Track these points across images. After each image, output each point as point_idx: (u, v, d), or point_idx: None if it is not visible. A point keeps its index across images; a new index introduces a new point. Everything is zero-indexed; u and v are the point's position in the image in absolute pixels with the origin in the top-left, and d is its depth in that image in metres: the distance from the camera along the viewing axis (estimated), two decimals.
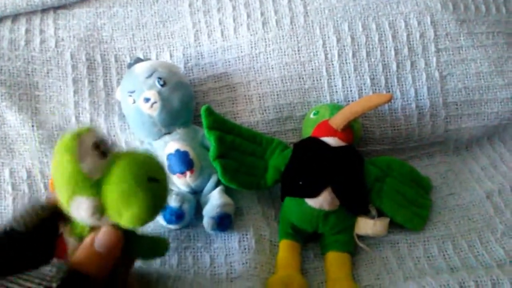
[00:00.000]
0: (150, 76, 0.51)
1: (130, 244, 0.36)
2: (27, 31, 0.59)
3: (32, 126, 0.55)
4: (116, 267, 0.35)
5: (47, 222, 0.35)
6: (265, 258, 0.49)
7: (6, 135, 0.55)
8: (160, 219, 0.50)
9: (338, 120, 0.49)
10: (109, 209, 0.32)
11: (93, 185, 0.31)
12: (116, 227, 0.34)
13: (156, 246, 0.40)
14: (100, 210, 0.32)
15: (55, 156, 0.32)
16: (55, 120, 0.56)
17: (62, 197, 0.32)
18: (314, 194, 0.48)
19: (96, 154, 0.32)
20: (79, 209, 0.32)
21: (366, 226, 0.49)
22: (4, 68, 0.56)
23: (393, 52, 0.57)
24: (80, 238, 0.34)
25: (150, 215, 0.33)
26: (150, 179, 0.32)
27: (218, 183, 0.53)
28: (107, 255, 0.33)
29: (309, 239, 0.51)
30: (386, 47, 0.57)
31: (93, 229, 0.34)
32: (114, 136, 0.57)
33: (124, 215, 0.32)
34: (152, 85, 0.50)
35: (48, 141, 0.55)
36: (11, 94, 0.55)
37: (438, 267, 0.48)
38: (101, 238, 0.33)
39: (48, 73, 0.57)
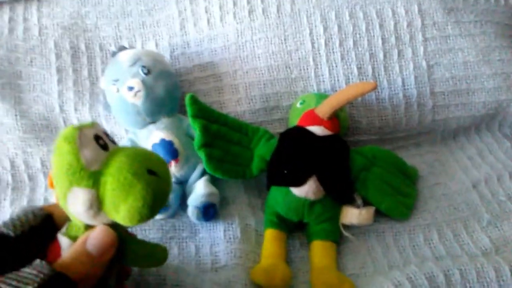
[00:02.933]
0: (133, 64, 0.50)
1: (124, 249, 0.34)
2: (10, 19, 0.58)
3: (16, 115, 0.55)
4: (108, 276, 0.33)
5: (39, 228, 0.34)
6: (250, 247, 0.48)
7: None
8: None
9: (324, 109, 0.49)
10: (106, 203, 0.31)
11: (91, 176, 0.31)
12: (111, 228, 0.33)
13: (153, 254, 0.37)
14: (97, 203, 0.31)
15: (55, 148, 0.31)
16: (39, 109, 0.56)
17: (59, 190, 0.31)
18: (299, 183, 0.47)
19: (96, 146, 0.31)
20: (76, 202, 0.31)
21: (352, 215, 0.49)
22: None
23: (380, 41, 0.56)
24: (75, 239, 0.33)
25: (147, 210, 0.31)
26: (149, 171, 0.31)
27: (203, 173, 0.52)
28: (98, 257, 0.31)
29: (295, 228, 0.51)
30: (373, 36, 0.56)
31: (89, 228, 0.33)
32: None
33: (121, 208, 0.31)
34: (135, 73, 0.50)
35: (31, 130, 0.55)
36: None
37: (423, 255, 0.48)
38: (94, 236, 0.32)
39: (31, 61, 0.56)
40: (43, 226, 0.34)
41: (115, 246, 0.32)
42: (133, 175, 0.31)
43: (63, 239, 0.33)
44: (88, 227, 0.33)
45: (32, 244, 0.33)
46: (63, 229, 0.34)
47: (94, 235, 0.32)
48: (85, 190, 0.31)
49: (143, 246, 0.36)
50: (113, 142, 0.34)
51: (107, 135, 0.34)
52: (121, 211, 0.31)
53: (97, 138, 0.32)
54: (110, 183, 0.31)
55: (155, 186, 0.31)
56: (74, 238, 0.33)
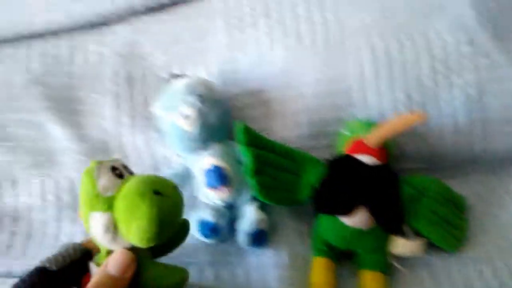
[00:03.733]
0: (189, 92, 0.52)
1: (143, 270, 0.37)
2: (70, 47, 0.61)
3: (75, 139, 0.57)
4: None
5: (78, 262, 0.39)
6: (300, 275, 0.49)
7: (50, 147, 0.58)
8: (196, 234, 0.51)
9: (374, 139, 0.49)
10: (120, 225, 0.35)
11: (106, 201, 0.35)
12: (130, 250, 0.36)
13: (171, 274, 0.40)
14: (112, 226, 0.35)
15: (81, 180, 0.36)
16: (96, 134, 0.58)
17: (83, 216, 0.36)
18: (348, 212, 0.48)
19: (112, 175, 0.36)
20: (95, 225, 0.35)
21: (402, 246, 0.48)
22: (49, 83, 0.59)
23: (428, 69, 0.56)
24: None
25: (155, 229, 0.34)
26: (155, 192, 0.35)
27: (252, 198, 0.54)
28: (119, 277, 0.35)
29: (344, 256, 0.51)
30: (422, 64, 0.56)
31: (111, 253, 0.37)
32: (151, 149, 0.59)
33: (131, 229, 0.35)
34: (190, 102, 0.52)
35: (90, 153, 0.58)
36: (55, 109, 0.58)
37: None
38: (114, 258, 0.36)
39: (90, 88, 0.59)
40: (82, 260, 0.39)
41: (133, 265, 0.36)
42: (139, 195, 0.35)
43: (93, 267, 0.38)
44: (110, 252, 0.37)
45: (72, 277, 0.38)
46: (94, 258, 0.38)
47: (113, 257, 0.36)
48: (101, 214, 0.35)
49: (162, 267, 0.40)
50: (131, 173, 0.39)
51: (125, 167, 0.39)
52: (132, 231, 0.35)
53: (113, 169, 0.37)
54: (121, 206, 0.35)
55: (160, 204, 0.35)
56: (100, 265, 0.37)
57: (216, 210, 0.51)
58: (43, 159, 0.58)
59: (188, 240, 0.52)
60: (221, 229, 0.51)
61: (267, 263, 0.50)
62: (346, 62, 0.57)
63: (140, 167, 0.58)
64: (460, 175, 0.60)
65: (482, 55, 0.56)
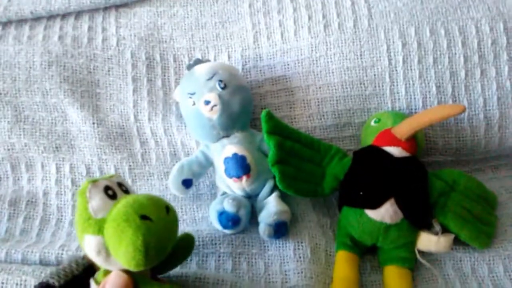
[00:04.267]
0: (211, 78, 0.50)
1: None
2: (89, 28, 0.60)
3: (93, 123, 0.56)
4: None
5: (81, 277, 0.39)
6: (321, 268, 0.48)
7: (68, 131, 0.57)
8: (216, 224, 0.50)
9: (404, 130, 0.47)
10: (110, 248, 0.35)
11: (97, 224, 0.35)
12: (125, 272, 0.36)
13: None
14: (104, 248, 0.35)
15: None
16: (115, 118, 0.57)
17: (79, 237, 0.36)
18: (375, 206, 0.46)
19: (104, 196, 0.36)
20: (88, 247, 0.35)
21: (429, 242, 0.47)
22: (67, 64, 0.57)
23: (462, 59, 0.54)
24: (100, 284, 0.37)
25: (142, 255, 0.34)
26: (142, 217, 0.34)
27: (273, 189, 0.52)
28: None
29: (367, 250, 0.50)
30: (455, 53, 0.54)
31: (108, 273, 0.37)
32: (170, 136, 0.57)
33: (119, 253, 0.34)
34: (212, 87, 0.50)
35: (107, 138, 0.56)
36: (73, 91, 0.57)
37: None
38: (109, 282, 0.36)
39: (109, 71, 0.58)
40: (84, 275, 0.39)
41: (129, 287, 0.36)
42: (125, 221, 0.34)
43: (92, 285, 0.37)
44: (107, 272, 0.37)
45: None
46: (95, 275, 0.38)
47: (109, 280, 0.36)
48: (92, 237, 0.35)
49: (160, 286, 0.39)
50: (126, 191, 0.38)
51: (120, 185, 0.38)
52: (119, 256, 0.34)
53: (106, 188, 0.36)
54: (109, 230, 0.34)
55: (147, 230, 0.34)
56: (99, 283, 0.37)
57: (236, 200, 0.50)
58: (60, 142, 0.56)
59: (208, 230, 0.51)
60: (241, 219, 0.49)
61: (288, 255, 0.48)
62: (376, 50, 0.55)
63: (159, 154, 0.57)
64: (489, 169, 0.58)
65: None
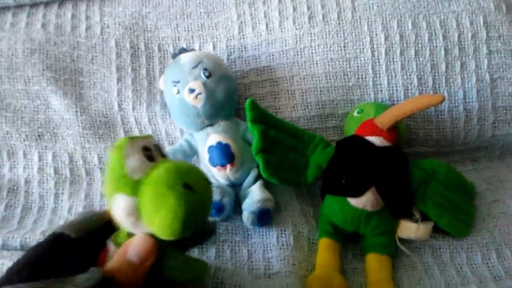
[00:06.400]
0: (195, 66, 0.50)
1: (163, 259, 0.34)
2: (73, 16, 0.59)
3: (76, 111, 0.56)
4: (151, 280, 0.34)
5: (97, 232, 0.35)
6: (303, 255, 0.48)
7: (50, 119, 0.56)
8: None
9: (385, 119, 0.48)
10: (143, 212, 0.32)
11: (133, 184, 0.32)
12: (151, 237, 0.33)
13: (192, 267, 0.37)
14: (135, 211, 0.32)
15: (108, 155, 0.33)
16: (98, 106, 0.57)
17: (107, 194, 0.33)
18: (357, 194, 0.47)
19: (142, 156, 0.32)
20: (118, 208, 0.32)
21: (409, 229, 0.48)
22: (50, 52, 0.57)
23: (443, 52, 0.55)
24: (120, 246, 0.34)
25: (179, 224, 0.31)
26: (185, 185, 0.32)
27: (257, 178, 0.52)
28: (138, 265, 0.32)
29: (348, 239, 0.50)
30: (436, 46, 0.55)
31: (131, 236, 0.34)
32: (155, 125, 0.57)
33: (155, 220, 0.31)
34: (197, 76, 0.50)
35: (90, 127, 0.56)
36: (56, 79, 0.56)
37: (481, 275, 0.47)
38: (134, 245, 0.33)
39: (92, 59, 0.58)
40: (102, 230, 0.35)
41: (154, 253, 0.33)
42: (168, 187, 0.31)
43: (111, 245, 0.34)
44: (131, 235, 0.34)
45: (90, 247, 0.35)
46: (113, 235, 0.35)
47: (134, 243, 0.33)
48: (126, 197, 0.32)
49: (183, 258, 0.36)
50: (163, 155, 0.35)
51: (158, 148, 0.35)
52: (155, 222, 0.31)
53: (145, 149, 0.33)
54: (147, 194, 0.31)
55: (189, 200, 0.31)
56: (119, 245, 0.34)
57: (220, 188, 0.50)
58: (43, 131, 0.56)
59: None
60: (225, 207, 0.50)
61: (271, 242, 0.49)
62: (359, 42, 0.56)
63: None
64: (468, 160, 0.59)
65: (498, 40, 0.55)
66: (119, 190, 0.32)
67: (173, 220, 0.31)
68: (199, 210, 0.33)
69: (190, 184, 0.32)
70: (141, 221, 0.32)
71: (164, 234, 0.32)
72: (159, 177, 0.32)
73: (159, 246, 0.33)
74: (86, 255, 0.34)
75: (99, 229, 0.36)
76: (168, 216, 0.31)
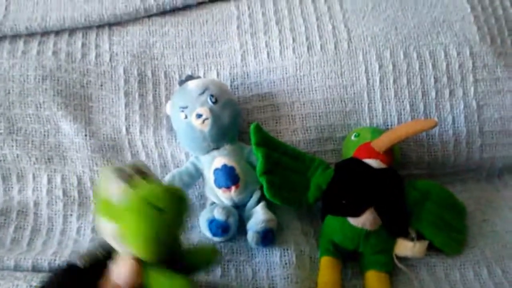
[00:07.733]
0: (202, 93, 0.53)
1: (149, 278, 0.38)
2: (83, 45, 0.62)
3: (85, 135, 0.58)
4: None
5: (104, 260, 0.39)
6: (306, 273, 0.50)
7: (60, 142, 0.58)
8: (206, 232, 0.52)
9: (382, 143, 0.51)
10: (122, 236, 0.36)
11: (113, 209, 0.36)
12: (135, 259, 0.37)
13: (178, 284, 0.39)
14: (116, 234, 0.36)
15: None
16: (107, 130, 0.59)
17: (94, 215, 0.39)
18: (357, 214, 0.49)
19: (125, 182, 0.36)
20: (103, 230, 0.37)
21: (406, 247, 0.50)
22: (61, 79, 0.59)
23: (432, 80, 0.59)
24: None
25: (151, 246, 0.35)
26: (154, 207, 0.35)
27: (260, 199, 0.55)
28: (124, 286, 0.37)
29: (348, 257, 0.52)
30: (426, 75, 0.59)
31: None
32: (161, 148, 0.59)
33: (129, 242, 0.35)
34: (204, 101, 0.53)
35: (99, 150, 0.58)
36: (66, 104, 0.58)
37: None
38: (117, 269, 0.37)
39: (101, 85, 0.60)
40: (107, 258, 0.39)
41: (137, 275, 0.37)
42: (137, 211, 0.35)
43: (111, 265, 0.38)
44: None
45: (96, 274, 0.39)
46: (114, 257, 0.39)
47: (118, 268, 0.37)
48: (107, 222, 0.36)
49: (166, 276, 0.38)
50: (148, 177, 0.38)
51: (143, 172, 0.38)
52: (129, 244, 0.35)
53: (128, 175, 0.37)
54: (123, 217, 0.35)
55: (157, 220, 0.35)
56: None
57: (226, 209, 0.52)
58: (52, 154, 0.58)
59: (198, 239, 0.53)
60: (231, 227, 0.52)
61: (274, 261, 0.51)
62: (355, 70, 0.59)
63: (149, 165, 0.59)
64: (458, 182, 0.62)
65: (483, 69, 0.60)
66: (101, 214, 0.36)
67: (144, 242, 0.35)
68: (169, 229, 0.36)
69: (159, 206, 0.35)
70: (122, 244, 0.36)
71: (142, 254, 0.36)
72: (132, 202, 0.35)
73: (144, 266, 0.37)
74: (93, 281, 0.38)
75: (105, 257, 0.40)
76: (139, 238, 0.35)
